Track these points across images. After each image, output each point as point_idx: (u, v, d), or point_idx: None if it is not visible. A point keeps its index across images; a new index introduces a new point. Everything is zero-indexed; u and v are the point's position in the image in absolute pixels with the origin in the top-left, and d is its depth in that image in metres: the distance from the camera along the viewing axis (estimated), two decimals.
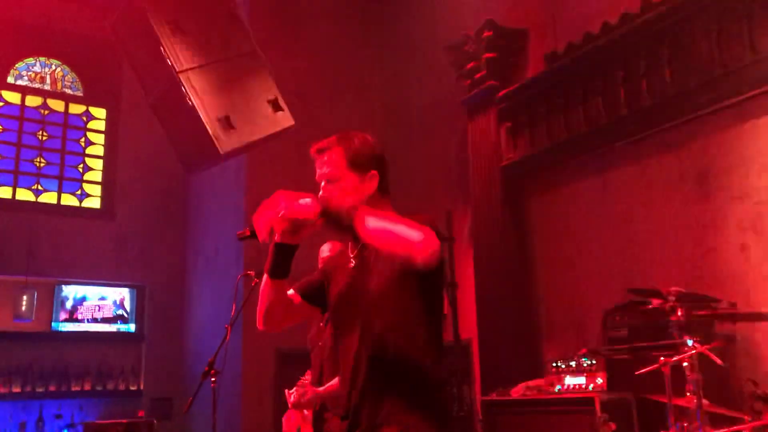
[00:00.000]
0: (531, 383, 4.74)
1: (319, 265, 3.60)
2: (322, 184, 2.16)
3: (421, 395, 1.92)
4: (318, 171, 2.17)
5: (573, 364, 4.61)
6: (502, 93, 6.22)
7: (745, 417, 3.36)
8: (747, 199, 4.88)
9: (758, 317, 3.81)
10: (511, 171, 6.20)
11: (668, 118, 5.20)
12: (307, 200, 2.00)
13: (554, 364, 4.66)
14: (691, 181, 5.27)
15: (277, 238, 2.06)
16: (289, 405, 3.68)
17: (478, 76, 6.30)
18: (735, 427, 3.28)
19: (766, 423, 3.13)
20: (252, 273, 3.90)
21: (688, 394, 3.46)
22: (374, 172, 2.12)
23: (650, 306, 4.39)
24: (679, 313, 3.53)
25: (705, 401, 3.41)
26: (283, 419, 3.95)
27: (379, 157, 2.15)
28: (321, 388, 3.57)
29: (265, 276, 2.16)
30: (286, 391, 3.73)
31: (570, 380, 4.54)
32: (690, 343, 3.47)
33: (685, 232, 5.23)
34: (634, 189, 5.63)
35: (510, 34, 6.28)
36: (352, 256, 2.16)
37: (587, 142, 5.73)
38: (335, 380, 3.42)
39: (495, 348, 5.55)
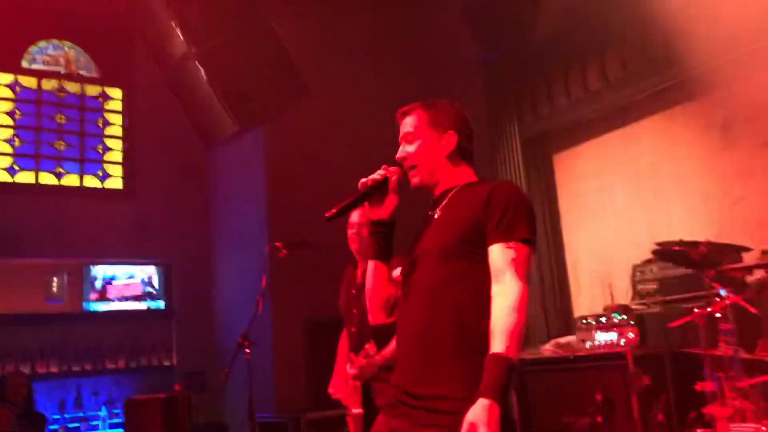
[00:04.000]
0: (562, 340, 4.74)
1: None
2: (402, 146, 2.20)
3: (474, 359, 1.88)
4: (400, 133, 2.20)
5: (603, 320, 4.58)
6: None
7: None
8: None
9: None
10: (532, 128, 6.14)
11: (691, 67, 5.09)
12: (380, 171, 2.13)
13: (584, 321, 4.64)
14: (716, 131, 5.19)
15: (370, 216, 2.15)
16: (350, 376, 3.57)
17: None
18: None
19: None
20: (279, 244, 3.90)
21: (722, 344, 3.44)
22: (452, 132, 2.14)
23: (681, 258, 4.36)
24: (712, 265, 3.49)
25: (742, 351, 3.39)
26: (331, 391, 3.83)
27: (460, 119, 2.19)
28: (379, 357, 3.51)
29: (371, 263, 2.19)
30: (351, 358, 3.63)
31: (601, 336, 4.52)
32: (723, 293, 3.44)
33: (711, 182, 5.17)
34: (658, 141, 5.56)
35: None
36: (438, 208, 2.14)
37: (610, 96, 5.65)
38: (389, 348, 3.35)
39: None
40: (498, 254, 1.93)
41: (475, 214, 1.98)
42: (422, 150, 2.13)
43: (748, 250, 3.93)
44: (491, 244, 1.95)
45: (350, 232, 3.74)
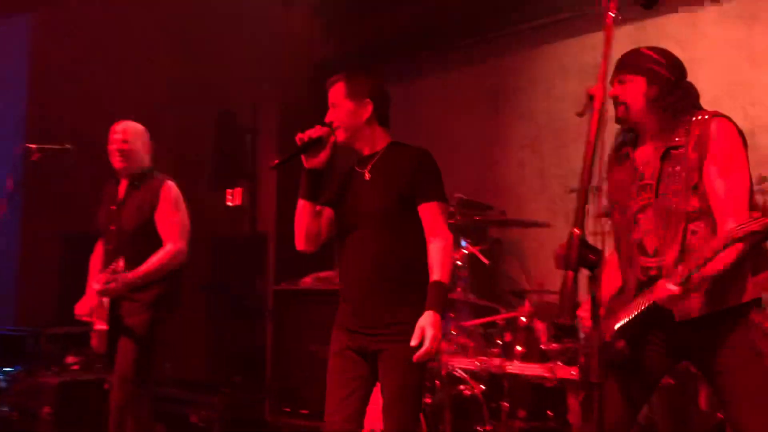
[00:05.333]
0: (321, 275, 4.96)
1: None
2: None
3: (416, 293, 2.43)
4: (329, 100, 2.65)
5: None
6: None
7: (501, 308, 3.83)
8: (529, 119, 5.36)
9: (523, 224, 4.28)
10: (322, 67, 6.21)
11: (469, 35, 5.46)
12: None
13: None
14: (485, 98, 5.66)
15: (304, 164, 2.57)
16: (95, 291, 3.42)
17: None
18: (491, 318, 3.74)
19: (515, 314, 3.60)
20: (33, 146, 3.61)
21: (458, 289, 3.84)
22: (368, 100, 2.61)
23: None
24: (457, 217, 3.86)
25: (471, 295, 3.82)
26: (79, 311, 3.65)
27: (375, 89, 2.65)
28: (130, 275, 3.41)
29: (300, 202, 2.62)
30: (97, 276, 3.48)
31: None
32: (463, 243, 3.83)
33: (476, 145, 5.65)
34: (438, 99, 5.92)
35: None
36: (366, 170, 2.61)
37: (396, 48, 5.88)
38: (141, 268, 3.39)
39: (292, 241, 5.70)
40: (430, 211, 2.49)
41: (406, 179, 2.51)
42: (344, 115, 2.59)
43: (490, 208, 4.39)
44: (423, 203, 2.49)
45: (111, 147, 3.60)
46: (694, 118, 2.14)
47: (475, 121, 5.68)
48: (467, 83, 5.74)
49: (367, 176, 2.60)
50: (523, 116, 5.40)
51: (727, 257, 1.91)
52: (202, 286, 5.95)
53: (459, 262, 3.80)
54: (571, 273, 1.37)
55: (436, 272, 2.44)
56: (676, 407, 3.07)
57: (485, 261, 3.83)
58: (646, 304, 2.02)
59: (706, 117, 2.12)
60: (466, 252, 3.79)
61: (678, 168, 2.11)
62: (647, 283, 2.11)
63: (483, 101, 5.66)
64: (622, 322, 2.06)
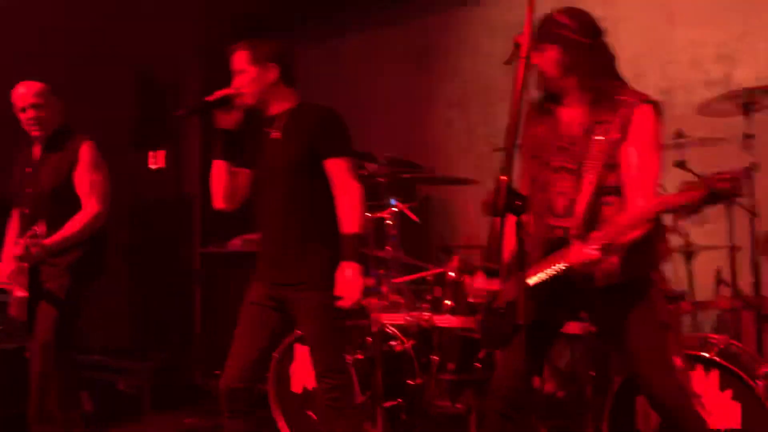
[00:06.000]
0: (248, 237, 4.90)
1: None
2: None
3: (328, 245, 2.61)
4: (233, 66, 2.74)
5: None
6: None
7: (430, 265, 3.88)
8: (456, 78, 5.39)
9: (451, 181, 4.32)
10: (244, 20, 6.04)
11: None
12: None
13: None
14: (412, 57, 5.65)
15: (217, 125, 2.69)
16: (14, 257, 3.27)
17: None
18: (421, 274, 3.79)
19: (443, 270, 3.65)
20: None
21: (388, 247, 3.86)
22: (273, 65, 2.70)
23: (363, 169, 4.75)
24: (385, 175, 3.87)
25: (401, 253, 3.85)
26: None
27: (278, 54, 2.73)
28: (51, 239, 3.28)
29: (216, 162, 2.73)
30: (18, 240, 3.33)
31: None
32: (393, 201, 3.85)
33: (403, 104, 5.65)
34: (365, 58, 5.87)
35: None
36: (275, 129, 2.71)
37: (322, 4, 5.77)
38: (60, 233, 3.30)
39: None
40: (336, 167, 2.63)
41: (312, 136, 2.63)
42: (249, 81, 2.69)
43: (420, 167, 4.42)
44: (328, 159, 2.63)
45: (23, 117, 3.45)
46: (623, 98, 2.22)
47: (402, 80, 5.68)
48: (394, 42, 5.72)
49: (276, 135, 2.71)
50: (450, 75, 5.42)
51: (638, 231, 2.04)
52: (126, 250, 5.78)
53: (389, 221, 3.81)
54: (498, 219, 1.40)
55: (346, 224, 2.60)
56: (596, 355, 3.20)
57: (414, 218, 3.87)
58: (562, 267, 2.09)
59: (634, 101, 2.21)
60: (396, 210, 3.80)
61: (599, 143, 2.19)
62: (555, 243, 2.18)
63: (410, 60, 5.65)
64: (535, 278, 2.13)
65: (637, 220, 1.90)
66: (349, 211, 2.62)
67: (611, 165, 2.16)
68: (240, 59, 2.73)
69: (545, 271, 2.12)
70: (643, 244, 2.11)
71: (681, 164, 3.15)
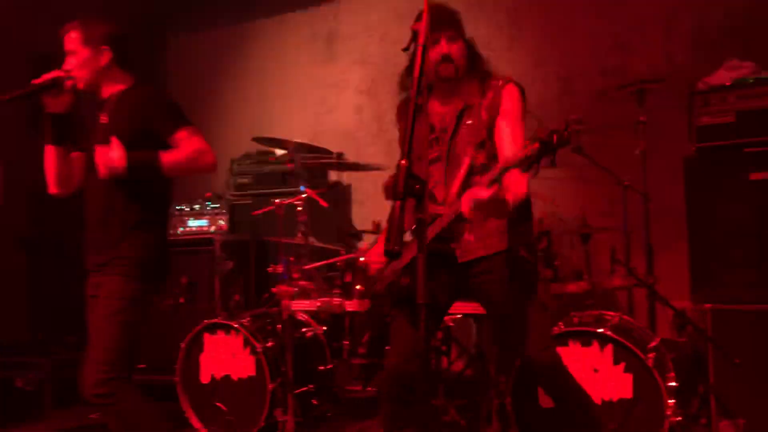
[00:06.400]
0: None
1: None
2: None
3: (138, 230, 2.59)
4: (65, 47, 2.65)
5: (197, 207, 4.77)
6: None
7: (341, 250, 3.90)
8: (366, 64, 5.40)
9: (361, 167, 4.33)
10: (144, 2, 5.86)
11: None
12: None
13: (178, 208, 4.76)
14: (321, 43, 5.62)
15: (46, 109, 2.58)
16: None
17: None
18: (331, 260, 3.80)
19: (354, 255, 3.67)
20: None
21: (299, 234, 3.85)
22: (105, 47, 2.63)
23: (272, 156, 4.73)
24: (295, 162, 3.85)
25: (312, 239, 3.84)
26: None
27: (111, 36, 2.66)
28: None
29: (48, 148, 2.65)
30: None
31: (193, 223, 4.73)
32: (302, 188, 3.83)
33: (312, 91, 5.61)
34: (273, 44, 5.79)
35: None
36: (103, 113, 2.65)
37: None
38: None
39: None
40: (180, 140, 2.56)
41: (143, 120, 2.56)
42: (80, 63, 2.61)
43: (329, 153, 4.41)
44: (168, 138, 2.56)
45: None
46: (492, 82, 2.35)
47: (311, 67, 5.64)
48: (302, 28, 5.67)
49: (104, 119, 2.65)
50: (360, 61, 5.43)
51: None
52: (21, 240, 5.50)
53: (299, 207, 3.79)
54: (399, 202, 1.42)
55: (164, 154, 2.54)
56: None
57: (324, 204, 3.86)
58: (451, 217, 2.15)
59: (500, 83, 2.35)
60: (306, 196, 3.79)
61: (471, 124, 2.33)
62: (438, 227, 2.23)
63: (319, 46, 5.62)
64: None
65: (509, 164, 1.87)
66: (174, 151, 2.56)
67: (482, 144, 2.28)
68: (71, 40, 2.64)
69: (436, 231, 2.18)
70: (510, 221, 2.25)
71: (578, 150, 3.28)
